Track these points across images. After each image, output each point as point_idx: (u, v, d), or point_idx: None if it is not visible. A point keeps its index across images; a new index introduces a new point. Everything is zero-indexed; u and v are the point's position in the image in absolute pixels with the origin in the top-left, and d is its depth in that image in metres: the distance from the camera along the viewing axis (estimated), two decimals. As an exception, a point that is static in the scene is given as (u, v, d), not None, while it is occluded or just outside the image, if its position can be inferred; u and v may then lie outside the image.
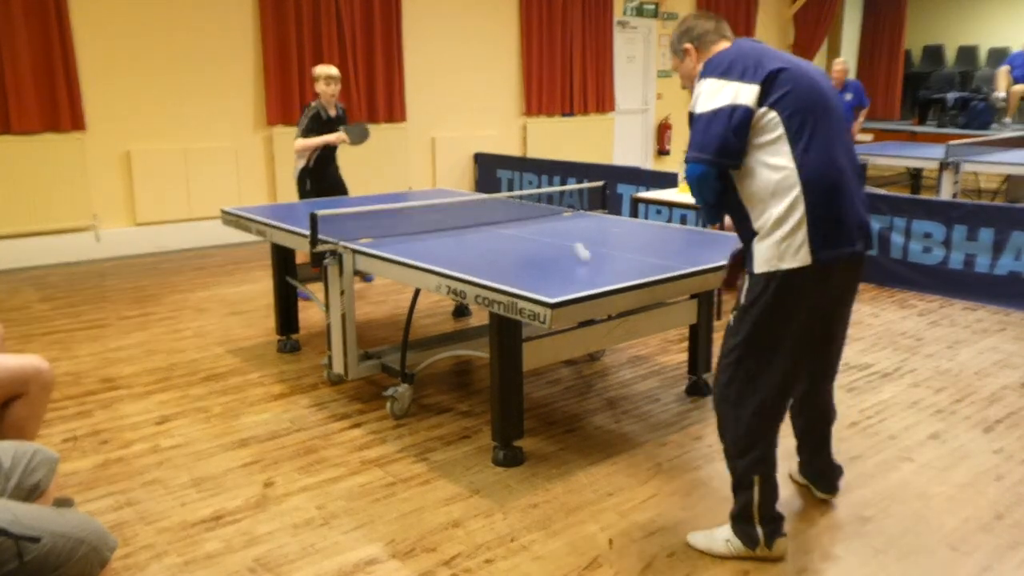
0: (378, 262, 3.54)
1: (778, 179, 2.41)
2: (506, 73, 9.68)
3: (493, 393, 3.27)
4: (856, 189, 2.52)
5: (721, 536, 2.68)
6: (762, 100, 2.41)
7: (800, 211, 2.40)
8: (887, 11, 14.07)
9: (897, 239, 6.01)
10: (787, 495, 3.04)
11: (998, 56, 13.26)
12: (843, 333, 2.79)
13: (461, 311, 5.43)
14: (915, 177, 9.99)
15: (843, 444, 3.46)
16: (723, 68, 2.45)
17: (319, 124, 5.69)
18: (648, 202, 5.91)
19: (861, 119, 9.35)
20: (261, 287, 6.08)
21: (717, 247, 3.65)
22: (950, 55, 14.75)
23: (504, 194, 5.41)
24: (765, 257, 2.45)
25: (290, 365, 4.48)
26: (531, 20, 9.66)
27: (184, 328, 5.14)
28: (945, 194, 7.91)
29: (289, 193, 7.78)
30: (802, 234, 2.41)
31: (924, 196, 7.01)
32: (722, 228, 2.73)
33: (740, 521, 2.64)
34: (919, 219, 5.90)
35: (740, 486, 2.63)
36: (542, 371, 4.34)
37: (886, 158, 9.02)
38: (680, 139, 11.67)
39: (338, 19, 8.07)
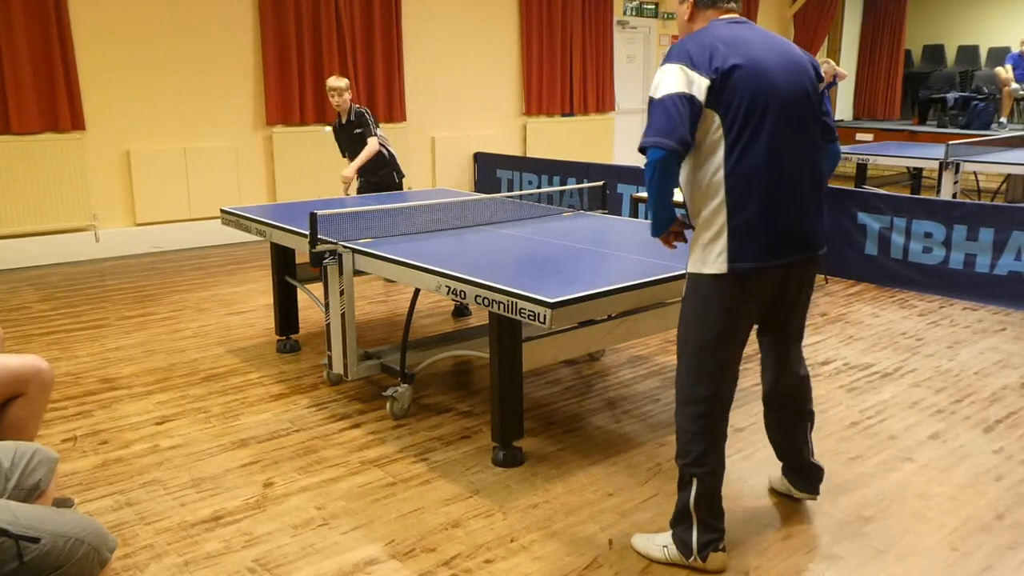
0: (378, 262, 3.54)
1: (707, 181, 2.41)
2: (506, 73, 9.68)
3: (493, 393, 3.27)
4: (803, 196, 2.46)
5: (660, 541, 2.64)
6: (709, 97, 2.35)
7: (722, 218, 2.40)
8: (887, 11, 14.07)
9: (897, 239, 6.00)
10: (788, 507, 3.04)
11: (998, 56, 13.26)
12: (797, 324, 2.75)
13: (461, 311, 5.43)
14: (915, 177, 9.98)
15: (843, 444, 3.46)
16: (686, 55, 2.38)
17: (335, 131, 5.99)
18: (648, 202, 5.89)
19: None
20: (261, 287, 6.08)
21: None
22: (950, 55, 14.75)
23: (504, 194, 5.41)
24: (692, 258, 2.51)
25: (290, 365, 4.48)
26: (531, 20, 9.66)
27: (184, 328, 5.14)
28: (945, 194, 7.91)
29: (289, 193, 7.82)
30: (722, 242, 2.41)
31: (924, 196, 7.01)
32: (679, 238, 2.67)
33: (677, 524, 2.61)
34: (919, 219, 5.90)
35: (679, 485, 2.60)
36: (542, 371, 4.34)
37: (886, 158, 9.02)
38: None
39: (338, 19, 8.07)
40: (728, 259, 2.41)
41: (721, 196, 2.39)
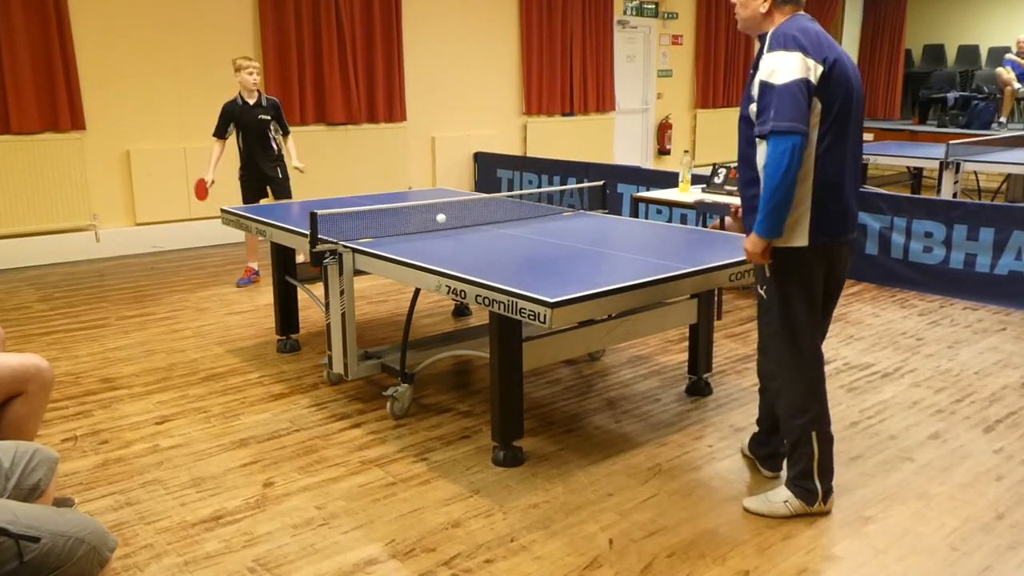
0: (378, 262, 3.54)
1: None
2: (506, 73, 9.68)
3: (493, 393, 3.26)
4: (856, 183, 2.77)
5: (779, 498, 2.87)
6: (819, 85, 2.54)
7: (808, 200, 2.63)
8: (887, 11, 14.07)
9: (898, 239, 6.00)
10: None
11: (998, 56, 13.26)
12: (836, 300, 2.94)
13: (461, 311, 5.43)
14: (915, 177, 9.98)
15: (843, 444, 3.46)
16: (798, 42, 2.53)
17: (237, 110, 6.01)
18: (648, 202, 5.91)
19: None
20: (261, 287, 6.08)
21: (717, 247, 3.65)
22: (950, 54, 14.75)
23: (504, 194, 5.41)
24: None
25: (290, 365, 4.48)
26: (531, 20, 9.66)
27: (184, 328, 5.14)
28: (945, 194, 7.91)
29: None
30: (806, 219, 2.65)
31: (924, 196, 7.00)
32: (722, 228, 2.80)
33: (800, 479, 2.84)
34: (919, 219, 5.90)
35: (798, 444, 2.82)
36: (542, 371, 4.34)
37: (886, 158, 9.02)
38: (680, 138, 11.67)
39: (338, 19, 8.07)
40: (811, 233, 2.67)
41: (809, 181, 2.61)
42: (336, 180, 8.03)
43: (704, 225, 5.93)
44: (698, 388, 4.02)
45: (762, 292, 2.85)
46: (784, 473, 2.95)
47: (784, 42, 2.54)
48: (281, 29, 7.76)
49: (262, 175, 6.03)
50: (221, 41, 7.51)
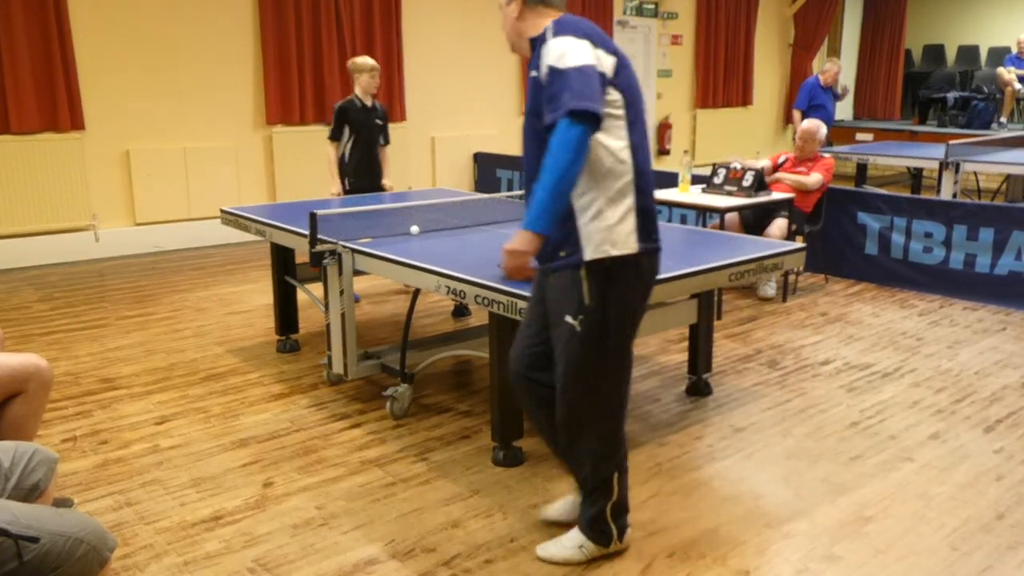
0: (378, 262, 3.54)
1: (611, 162, 2.36)
2: (506, 73, 9.68)
3: (493, 393, 3.26)
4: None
5: (573, 544, 2.63)
6: (613, 76, 2.34)
7: (631, 199, 2.38)
8: (887, 11, 14.07)
9: (897, 239, 6.00)
10: (789, 496, 3.04)
11: (998, 56, 13.26)
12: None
13: (461, 311, 5.43)
14: (915, 177, 9.98)
15: (843, 444, 3.46)
16: (582, 31, 2.34)
17: (352, 112, 5.55)
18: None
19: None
20: (260, 287, 6.08)
21: (717, 247, 3.65)
22: (950, 55, 14.75)
23: (504, 194, 5.40)
24: (595, 242, 2.36)
25: (290, 365, 4.48)
26: (531, 20, 9.64)
27: (183, 328, 5.14)
28: (945, 194, 7.91)
29: (289, 193, 7.82)
30: (631, 222, 2.38)
31: (924, 196, 7.00)
32: (723, 227, 2.71)
33: (596, 522, 2.61)
34: (919, 219, 5.90)
35: (600, 491, 2.58)
36: (542, 371, 4.33)
37: (886, 158, 9.01)
38: (680, 138, 11.67)
39: (338, 19, 8.07)
40: (638, 238, 2.40)
41: (629, 177, 2.38)
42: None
43: (704, 225, 5.93)
44: (698, 388, 4.02)
45: (575, 323, 2.40)
46: (578, 515, 2.70)
47: (570, 29, 2.33)
48: (281, 29, 7.76)
49: (371, 187, 5.53)
50: (221, 41, 7.51)
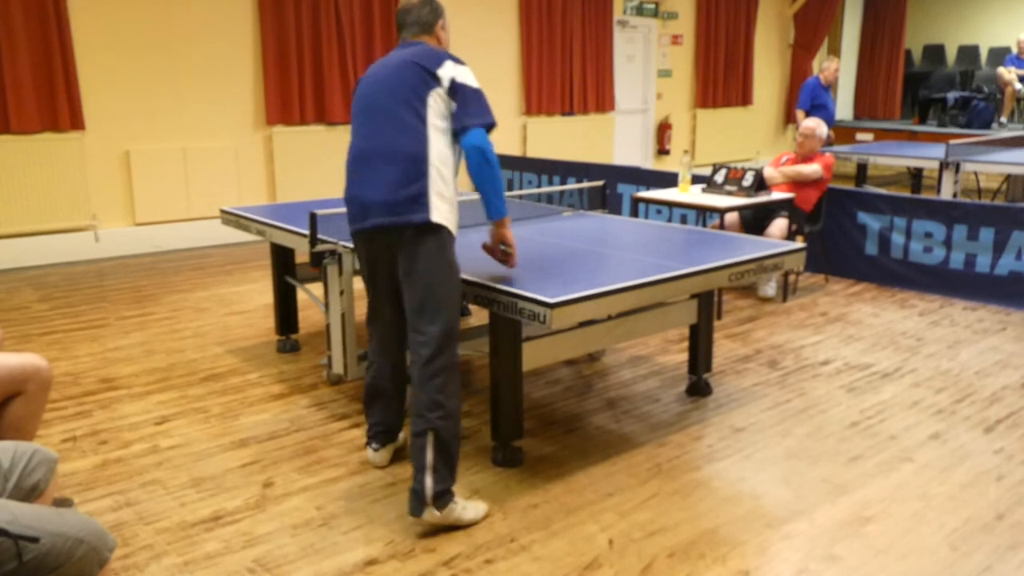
0: (378, 262, 3.53)
1: (458, 158, 2.95)
2: (506, 73, 9.68)
3: (493, 393, 3.26)
4: (379, 171, 2.81)
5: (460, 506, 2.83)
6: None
7: (454, 187, 2.95)
8: (887, 11, 14.07)
9: (897, 239, 6.00)
10: (789, 497, 3.04)
11: (998, 56, 13.27)
12: (410, 304, 2.86)
13: (461, 311, 5.42)
14: (915, 177, 9.98)
15: (843, 444, 3.46)
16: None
17: None
18: (648, 202, 5.90)
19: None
20: (260, 287, 6.08)
21: (717, 247, 3.65)
22: (950, 54, 14.75)
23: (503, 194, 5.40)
24: (441, 211, 2.86)
25: (289, 365, 4.48)
26: (531, 20, 9.66)
27: (183, 328, 5.14)
28: (945, 194, 7.91)
29: (289, 193, 7.81)
30: (456, 207, 2.94)
31: (924, 196, 7.00)
32: (722, 227, 2.77)
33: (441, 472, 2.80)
34: (919, 219, 5.90)
35: (444, 443, 2.77)
36: (542, 371, 4.33)
37: (886, 158, 9.02)
38: (680, 139, 11.67)
39: (338, 19, 8.06)
40: (348, 221, 2.98)
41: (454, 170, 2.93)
42: (336, 180, 8.03)
43: (704, 225, 5.93)
44: (698, 388, 4.02)
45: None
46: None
47: (452, 57, 2.86)
48: (281, 29, 7.75)
49: None
50: (221, 41, 7.51)
